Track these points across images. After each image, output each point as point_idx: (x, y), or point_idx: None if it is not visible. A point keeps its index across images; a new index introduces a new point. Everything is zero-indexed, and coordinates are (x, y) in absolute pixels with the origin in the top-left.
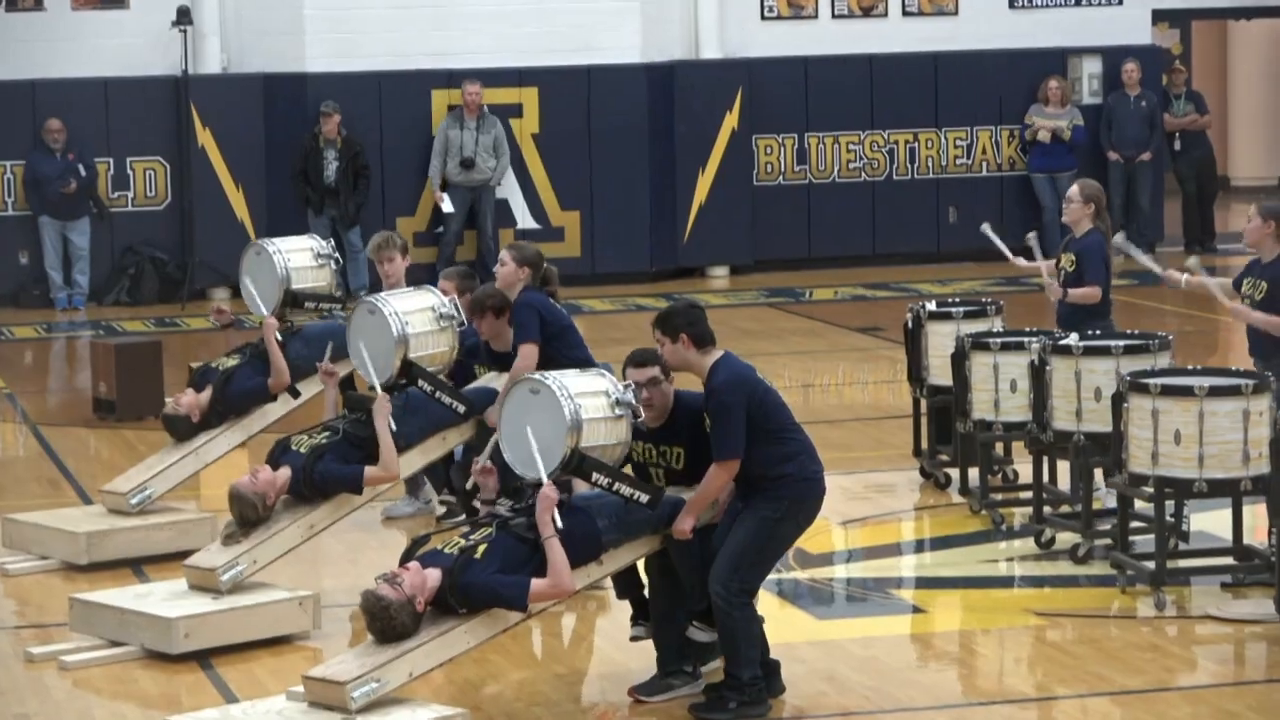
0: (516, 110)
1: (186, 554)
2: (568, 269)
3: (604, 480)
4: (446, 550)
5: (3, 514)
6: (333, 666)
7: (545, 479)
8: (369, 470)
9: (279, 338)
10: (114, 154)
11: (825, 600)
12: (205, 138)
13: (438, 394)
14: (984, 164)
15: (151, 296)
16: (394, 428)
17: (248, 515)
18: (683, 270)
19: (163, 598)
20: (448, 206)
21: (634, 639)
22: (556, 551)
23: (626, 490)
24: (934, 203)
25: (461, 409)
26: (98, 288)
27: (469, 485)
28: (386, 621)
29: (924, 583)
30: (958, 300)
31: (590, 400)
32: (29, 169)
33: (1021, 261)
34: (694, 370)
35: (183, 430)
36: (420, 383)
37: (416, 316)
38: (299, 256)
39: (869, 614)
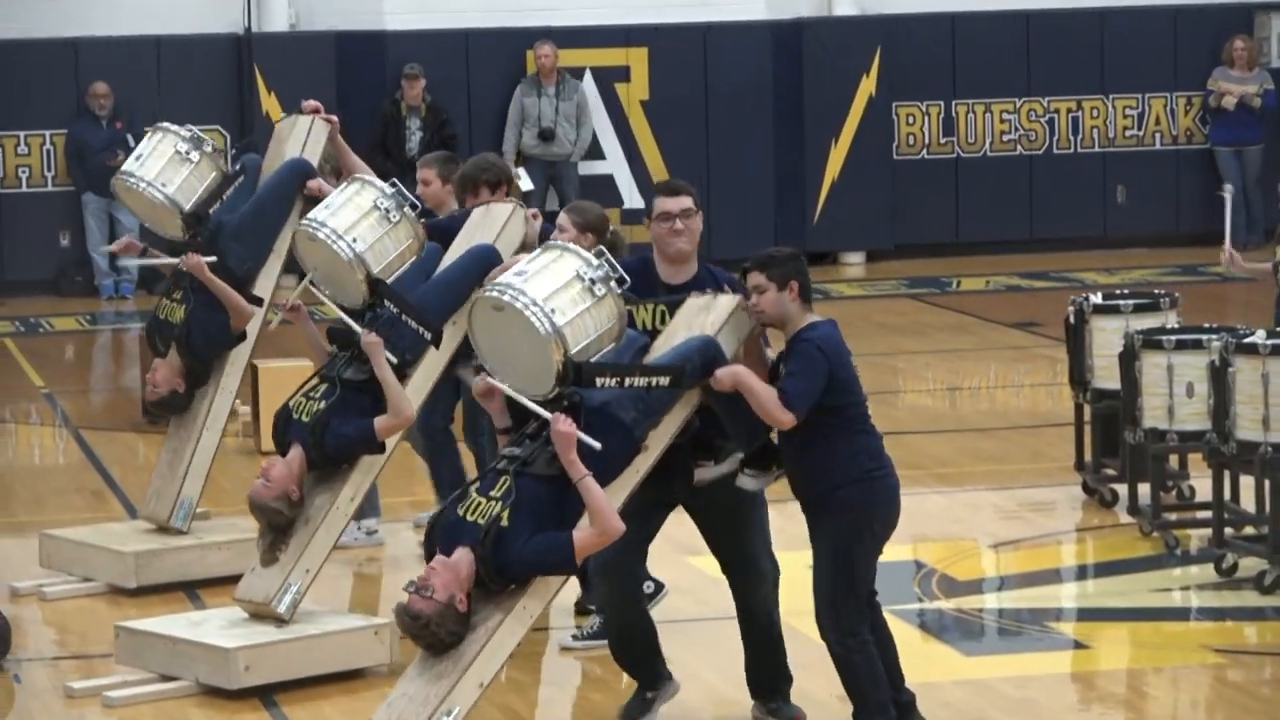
0: (623, 74)
1: None
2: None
3: (612, 381)
4: (469, 518)
5: (41, 530)
6: (398, 705)
7: (548, 414)
8: (379, 422)
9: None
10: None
11: (974, 634)
12: (270, 104)
13: (404, 317)
14: (1157, 135)
15: None
16: (393, 359)
17: (276, 521)
18: (812, 256)
19: (220, 625)
20: (526, 184)
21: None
22: (594, 495)
23: (641, 381)
24: (1099, 180)
25: (429, 336)
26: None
27: None
28: (430, 638)
29: (1087, 614)
30: (1126, 292)
31: (562, 296)
32: (71, 139)
33: (1234, 259)
34: (791, 325)
35: (180, 405)
36: (387, 303)
37: (361, 226)
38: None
39: (1024, 650)
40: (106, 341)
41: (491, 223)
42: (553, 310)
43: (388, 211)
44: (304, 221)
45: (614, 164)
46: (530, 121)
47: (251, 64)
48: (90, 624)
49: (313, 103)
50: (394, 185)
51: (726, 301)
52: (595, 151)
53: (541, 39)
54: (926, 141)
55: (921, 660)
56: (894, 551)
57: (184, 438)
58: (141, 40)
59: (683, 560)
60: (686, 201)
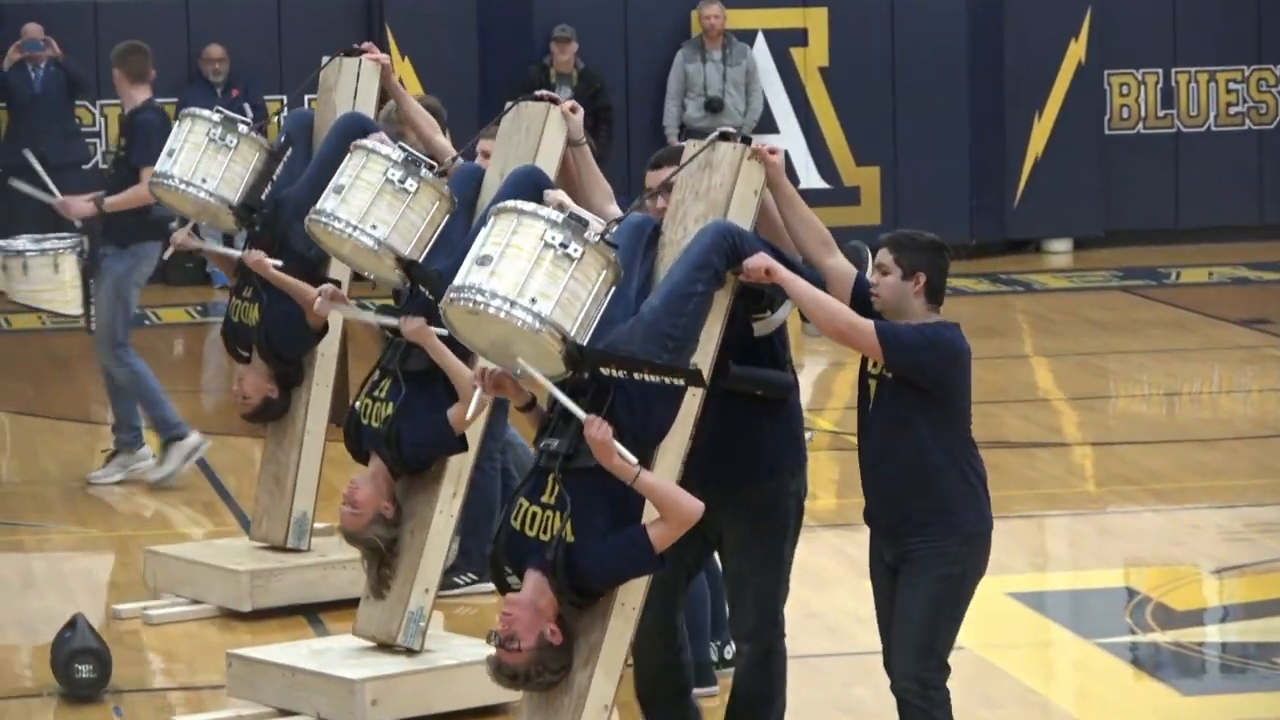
0: (799, 37)
1: None
2: (864, 239)
3: (619, 373)
4: (530, 533)
5: (145, 546)
6: None
7: (581, 414)
8: (453, 415)
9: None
10: (287, 89)
11: (1193, 671)
12: (404, 69)
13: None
14: None
15: None
16: (444, 331)
17: (375, 545)
18: (1012, 244)
19: (344, 654)
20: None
21: None
22: (653, 488)
23: (653, 377)
24: None
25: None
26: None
27: None
28: (537, 687)
29: None
30: None
31: (537, 276)
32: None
33: None
34: (903, 316)
35: (277, 411)
36: (421, 288)
37: (378, 207)
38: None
39: (1249, 689)
40: (219, 335)
41: (527, 134)
42: (533, 300)
43: (402, 181)
44: (314, 214)
45: (788, 138)
46: (694, 90)
47: (383, 25)
48: (199, 651)
49: (368, 45)
50: (403, 149)
51: (729, 155)
52: (767, 124)
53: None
54: (1142, 114)
55: (1134, 700)
56: (1104, 578)
57: (286, 446)
58: None
59: None
60: (667, 173)
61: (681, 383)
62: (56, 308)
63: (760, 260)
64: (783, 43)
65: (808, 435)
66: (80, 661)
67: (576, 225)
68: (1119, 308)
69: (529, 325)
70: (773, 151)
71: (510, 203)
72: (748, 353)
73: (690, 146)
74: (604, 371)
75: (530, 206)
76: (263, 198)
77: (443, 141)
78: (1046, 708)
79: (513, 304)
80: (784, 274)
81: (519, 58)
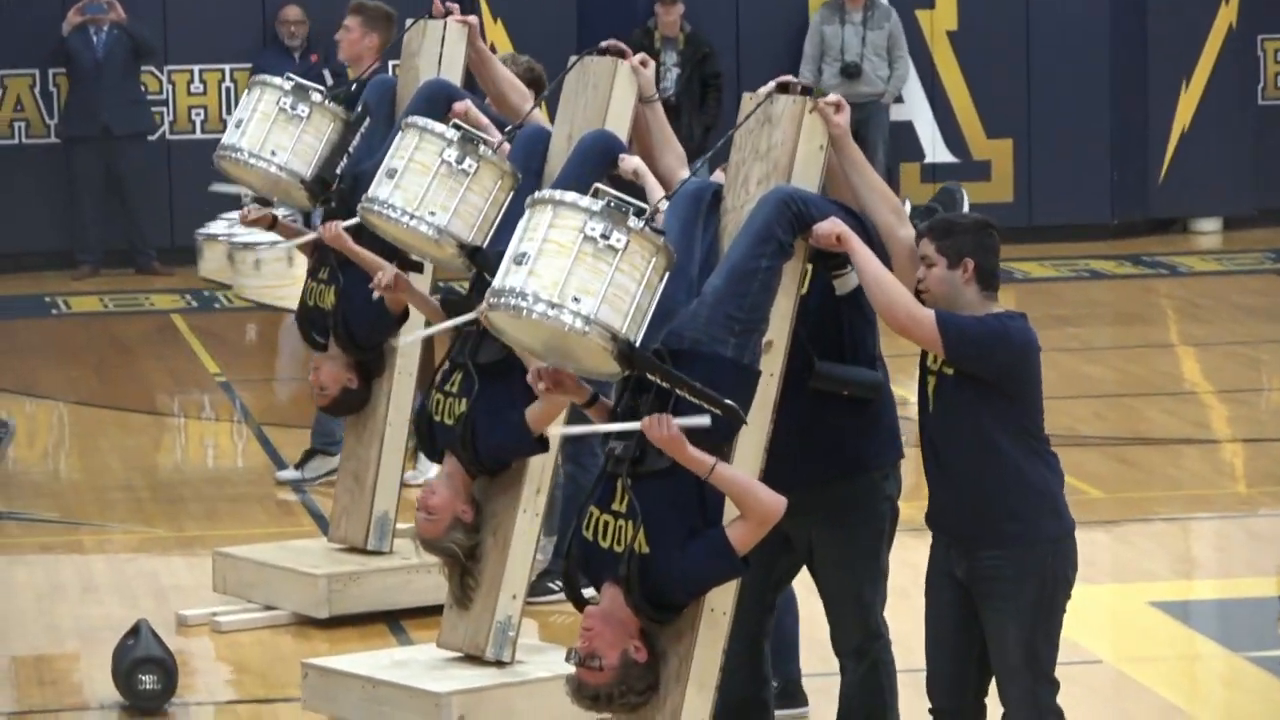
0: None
1: None
2: (996, 217)
3: (662, 382)
4: (604, 544)
5: (215, 548)
6: None
7: (635, 425)
8: (531, 414)
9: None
10: None
11: None
12: (495, 33)
13: None
14: None
15: None
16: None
17: (455, 553)
18: (1157, 223)
19: (428, 665)
20: None
21: None
22: (731, 482)
23: (697, 398)
24: None
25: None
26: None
27: None
28: (623, 709)
29: None
30: None
31: (579, 272)
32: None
33: None
34: (956, 308)
35: (358, 403)
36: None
37: (436, 191)
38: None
39: None
40: (294, 320)
41: (594, 92)
42: (575, 299)
43: (460, 162)
44: (366, 202)
45: (913, 108)
46: (831, 55)
47: None
48: (273, 661)
49: (454, 6)
50: (457, 127)
51: (789, 109)
52: None
53: None
54: None
55: None
56: (1255, 586)
57: (366, 440)
58: None
59: None
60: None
61: (720, 411)
62: (293, 304)
63: (831, 226)
64: (908, 4)
65: None
66: (144, 671)
67: (618, 213)
68: (1272, 292)
69: (575, 328)
70: (838, 108)
71: (545, 193)
72: (832, 344)
73: (747, 101)
74: (650, 378)
75: (568, 196)
76: (338, 171)
77: (535, 115)
78: None
79: (553, 305)
80: (855, 244)
81: (620, 20)
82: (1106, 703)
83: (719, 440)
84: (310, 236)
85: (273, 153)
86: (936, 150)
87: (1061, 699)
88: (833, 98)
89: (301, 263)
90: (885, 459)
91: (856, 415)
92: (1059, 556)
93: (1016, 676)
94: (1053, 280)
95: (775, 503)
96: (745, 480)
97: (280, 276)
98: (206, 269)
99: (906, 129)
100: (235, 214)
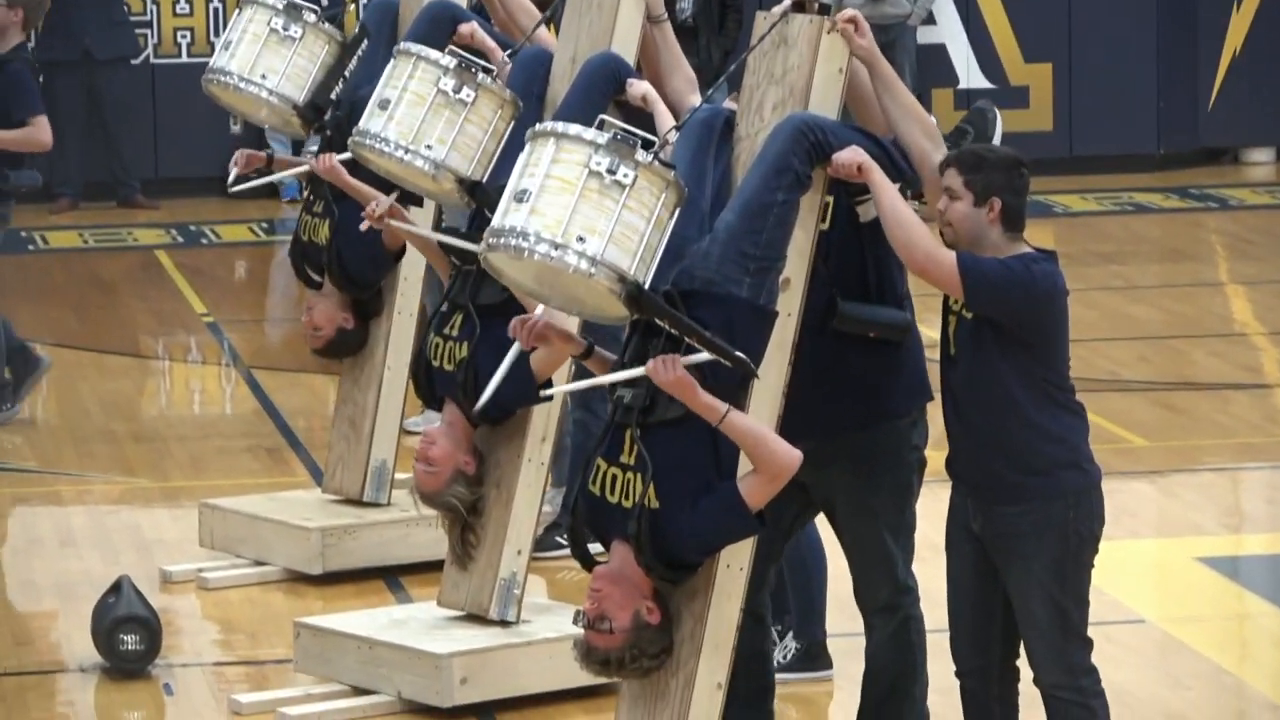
0: None
1: None
2: (1035, 147)
3: (671, 328)
4: (611, 498)
5: (201, 499)
6: None
7: (640, 369)
8: (535, 361)
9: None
10: None
11: None
12: None
13: None
14: None
15: None
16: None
17: (457, 507)
18: (1206, 153)
19: (428, 625)
20: None
21: None
22: (742, 431)
23: (706, 348)
24: None
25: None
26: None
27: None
28: (636, 673)
29: None
30: None
31: (584, 210)
32: None
33: None
34: (980, 248)
35: (354, 344)
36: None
37: (433, 123)
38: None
39: None
40: (288, 258)
41: (599, 11)
42: (580, 238)
43: (457, 91)
44: (358, 135)
45: (946, 30)
46: None
47: None
48: (263, 621)
49: None
50: (454, 54)
51: (805, 29)
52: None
53: None
54: None
55: None
56: None
57: (363, 384)
58: None
59: None
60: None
61: (731, 364)
62: None
63: (852, 155)
64: None
65: None
66: (126, 631)
67: (625, 146)
68: None
69: (580, 269)
70: (855, 25)
71: (547, 125)
72: (856, 282)
73: (761, 21)
74: (658, 323)
75: (571, 128)
76: (334, 97)
77: (548, 38)
78: (1241, 690)
79: (557, 246)
80: (877, 175)
81: None
82: (1150, 665)
83: (731, 384)
84: (304, 168)
85: (263, 76)
86: (970, 75)
87: (1101, 661)
88: (848, 13)
89: None
90: (912, 405)
91: (882, 358)
92: (1081, 510)
93: (1045, 637)
94: (1095, 214)
95: (789, 456)
96: (759, 430)
97: None
98: None
99: (938, 52)
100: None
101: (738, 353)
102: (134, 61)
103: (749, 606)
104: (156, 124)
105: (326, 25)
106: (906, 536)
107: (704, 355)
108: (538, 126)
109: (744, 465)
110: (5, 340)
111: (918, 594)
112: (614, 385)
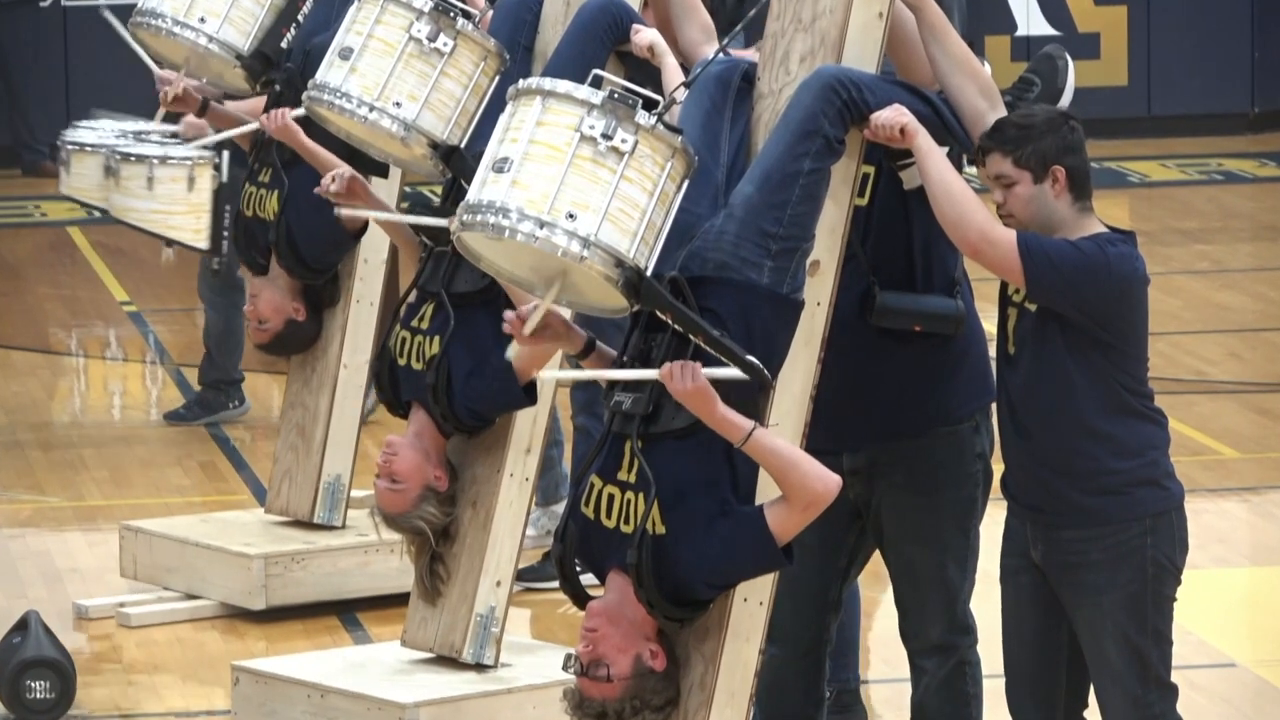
0: None
1: None
2: (1107, 105)
3: (674, 324)
4: (608, 523)
5: (122, 521)
6: None
7: (654, 373)
8: (515, 359)
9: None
10: None
11: None
12: None
13: None
14: None
15: None
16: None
17: (425, 531)
18: None
19: (390, 670)
20: None
21: None
22: (776, 451)
23: (714, 349)
24: None
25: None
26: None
27: None
28: None
29: None
30: None
31: (575, 181)
32: None
33: None
34: (1051, 229)
35: (306, 338)
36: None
37: (402, 76)
38: None
39: None
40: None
41: None
42: (570, 215)
43: (432, 39)
44: (313, 89)
45: None
46: None
47: None
48: (196, 664)
49: None
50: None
51: None
52: None
53: None
54: None
55: None
56: None
57: (315, 386)
58: None
59: None
60: None
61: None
62: (184, 238)
63: (894, 116)
64: None
65: None
66: (33, 676)
67: (623, 106)
68: None
69: (569, 251)
70: None
71: (531, 82)
72: (900, 266)
73: None
74: (661, 317)
75: (560, 85)
76: (285, 45)
77: None
78: None
79: (543, 224)
80: (923, 139)
81: None
82: (1240, 713)
83: (748, 388)
84: (251, 127)
85: (201, 20)
86: (1031, 21)
87: (1186, 709)
88: None
89: (203, 188)
90: (972, 406)
91: (933, 354)
92: (1160, 535)
93: (1120, 683)
94: (1177, 184)
95: (826, 483)
96: (790, 452)
97: (174, 201)
98: (73, 185)
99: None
100: (107, 115)
101: (751, 358)
102: (42, 3)
103: (802, 659)
104: (68, 76)
105: None
106: (968, 563)
107: (732, 371)
108: (521, 83)
109: (765, 483)
110: None
111: (976, 635)
112: (610, 390)
